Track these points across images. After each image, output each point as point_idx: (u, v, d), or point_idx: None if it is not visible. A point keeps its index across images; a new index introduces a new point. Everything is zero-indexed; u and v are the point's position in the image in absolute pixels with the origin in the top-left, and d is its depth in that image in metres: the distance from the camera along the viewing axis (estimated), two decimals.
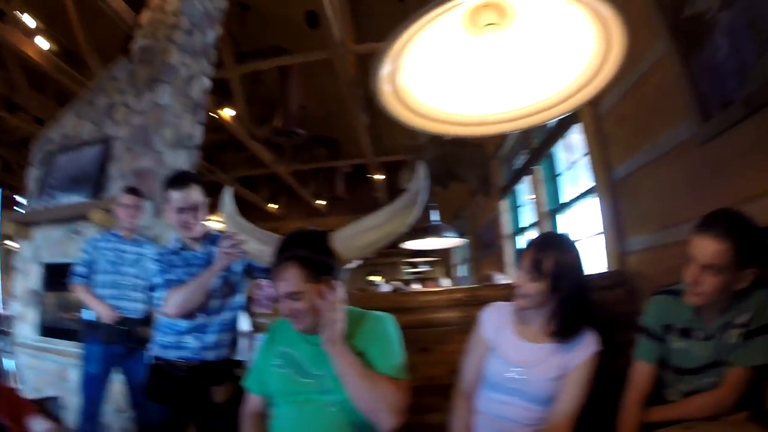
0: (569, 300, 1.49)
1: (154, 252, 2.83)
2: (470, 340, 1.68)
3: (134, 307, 2.89)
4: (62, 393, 3.34)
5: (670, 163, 1.82)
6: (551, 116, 1.23)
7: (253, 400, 1.54)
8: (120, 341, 2.77)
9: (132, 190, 2.96)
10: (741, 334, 1.30)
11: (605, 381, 1.51)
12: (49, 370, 3.87)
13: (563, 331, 1.50)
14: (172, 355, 1.95)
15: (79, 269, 2.85)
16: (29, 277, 4.26)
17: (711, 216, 1.28)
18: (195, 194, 1.98)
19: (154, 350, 2.01)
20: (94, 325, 2.78)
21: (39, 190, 4.43)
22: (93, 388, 2.75)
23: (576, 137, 2.99)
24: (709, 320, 1.36)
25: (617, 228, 2.28)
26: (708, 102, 1.48)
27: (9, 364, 4.13)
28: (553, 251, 1.49)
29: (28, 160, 4.79)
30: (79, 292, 2.86)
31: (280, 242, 1.45)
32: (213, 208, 2.19)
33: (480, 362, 1.62)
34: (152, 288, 1.99)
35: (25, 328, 4.23)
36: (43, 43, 5.67)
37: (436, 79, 1.19)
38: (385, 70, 1.03)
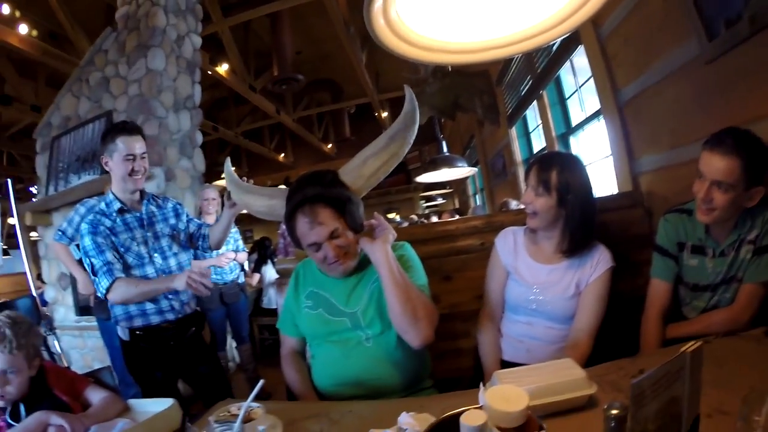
0: (578, 214, 1.48)
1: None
2: (489, 266, 1.70)
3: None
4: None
5: (677, 82, 1.78)
6: (551, 38, 1.18)
7: (289, 342, 1.58)
8: None
9: None
10: (751, 251, 1.32)
11: (625, 300, 1.55)
12: (93, 346, 4.06)
13: (574, 247, 1.51)
14: (156, 320, 1.94)
15: (67, 228, 2.78)
16: (57, 262, 4.36)
17: (720, 134, 1.27)
18: (141, 143, 1.94)
19: (130, 322, 1.94)
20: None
21: (49, 177, 4.46)
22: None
23: (581, 60, 2.91)
24: (720, 237, 1.38)
25: (627, 149, 2.25)
26: (713, 21, 1.43)
27: (55, 347, 4.31)
28: (558, 166, 1.48)
29: (33, 150, 4.79)
30: (59, 251, 2.84)
31: (292, 187, 1.43)
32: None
33: (500, 286, 1.66)
34: (93, 271, 1.85)
35: (63, 311, 4.41)
36: (25, 29, 5.47)
37: (431, 8, 1.14)
38: (377, 3, 0.99)
